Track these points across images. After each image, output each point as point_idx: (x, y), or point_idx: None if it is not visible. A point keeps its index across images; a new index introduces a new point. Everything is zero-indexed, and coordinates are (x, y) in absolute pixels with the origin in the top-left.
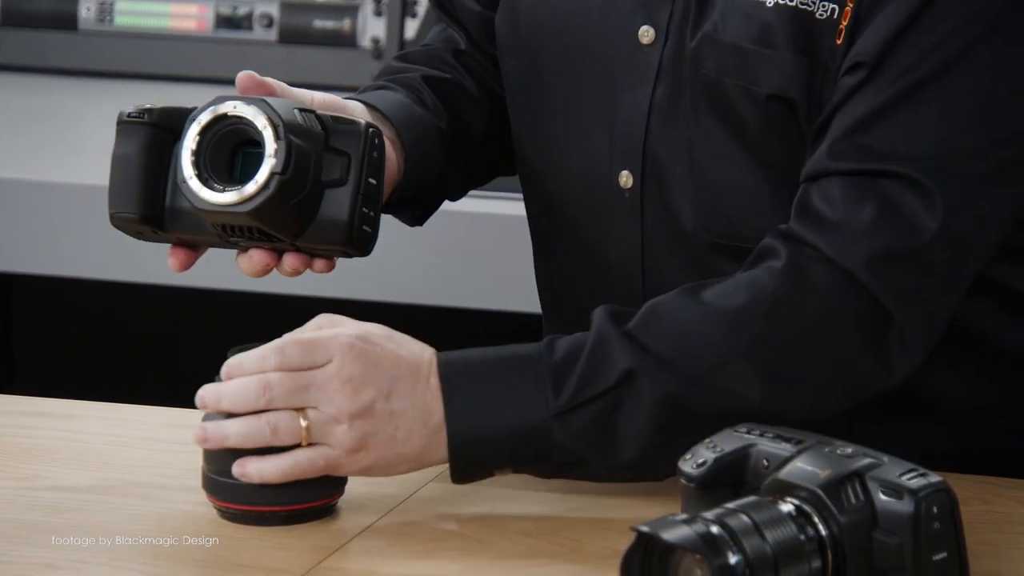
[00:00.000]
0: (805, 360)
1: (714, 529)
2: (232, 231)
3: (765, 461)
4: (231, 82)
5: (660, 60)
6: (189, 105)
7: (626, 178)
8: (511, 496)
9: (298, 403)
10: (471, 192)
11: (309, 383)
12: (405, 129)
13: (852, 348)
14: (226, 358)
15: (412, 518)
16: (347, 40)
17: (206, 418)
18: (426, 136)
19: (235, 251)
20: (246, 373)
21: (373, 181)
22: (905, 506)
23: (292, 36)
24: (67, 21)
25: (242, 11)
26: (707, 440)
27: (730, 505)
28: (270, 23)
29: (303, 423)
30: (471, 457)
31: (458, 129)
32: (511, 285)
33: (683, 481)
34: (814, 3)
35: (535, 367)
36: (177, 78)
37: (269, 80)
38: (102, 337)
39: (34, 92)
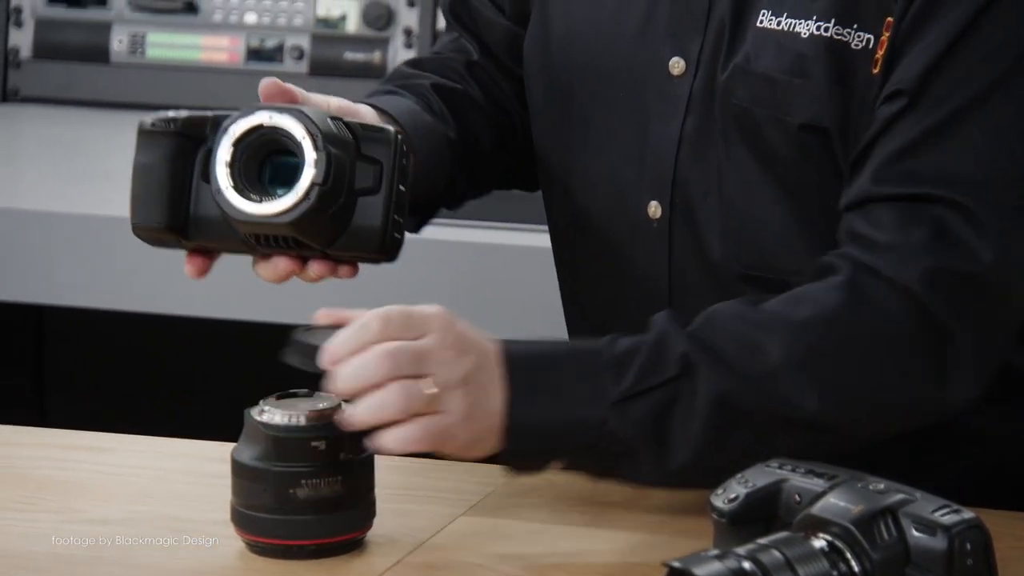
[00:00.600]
0: (862, 374)
1: (746, 565)
2: (266, 240)
3: (797, 496)
4: None
5: (690, 91)
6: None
7: (655, 208)
8: (542, 530)
9: (418, 371)
10: (483, 223)
11: (420, 352)
12: (418, 137)
13: (909, 363)
14: (294, 340)
15: (442, 553)
16: (377, 72)
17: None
18: (437, 144)
19: (253, 260)
20: (352, 347)
21: (403, 188)
22: (938, 543)
23: (323, 68)
24: (99, 53)
25: (273, 43)
26: (739, 475)
27: (762, 541)
28: (301, 55)
29: (432, 391)
30: (527, 445)
31: (466, 139)
32: (524, 316)
33: (715, 516)
34: (849, 33)
35: (596, 359)
36: (208, 110)
37: (292, 87)
38: (133, 368)
39: (66, 124)
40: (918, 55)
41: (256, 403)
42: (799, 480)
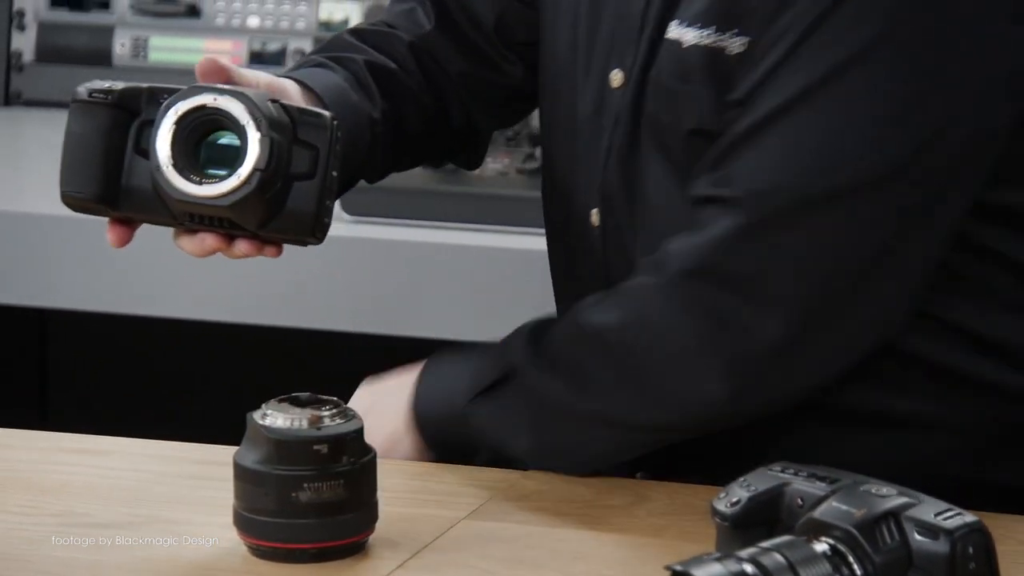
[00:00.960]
0: (635, 374)
1: (748, 568)
2: (199, 219)
3: (800, 500)
4: None
5: (622, 102)
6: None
7: (595, 216)
8: (544, 534)
9: None
10: (485, 226)
11: None
12: (340, 115)
13: (677, 363)
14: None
15: (444, 557)
16: None
17: None
18: (358, 123)
19: (175, 232)
20: None
21: (335, 173)
22: (941, 546)
23: None
24: (101, 57)
25: (275, 47)
26: (741, 479)
27: (764, 544)
28: None
29: None
30: (429, 423)
31: (392, 119)
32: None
33: (717, 520)
34: (723, 39)
35: (479, 355)
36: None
37: (228, 64)
38: (135, 371)
39: None
40: (758, 68)
41: (258, 406)
42: (801, 484)
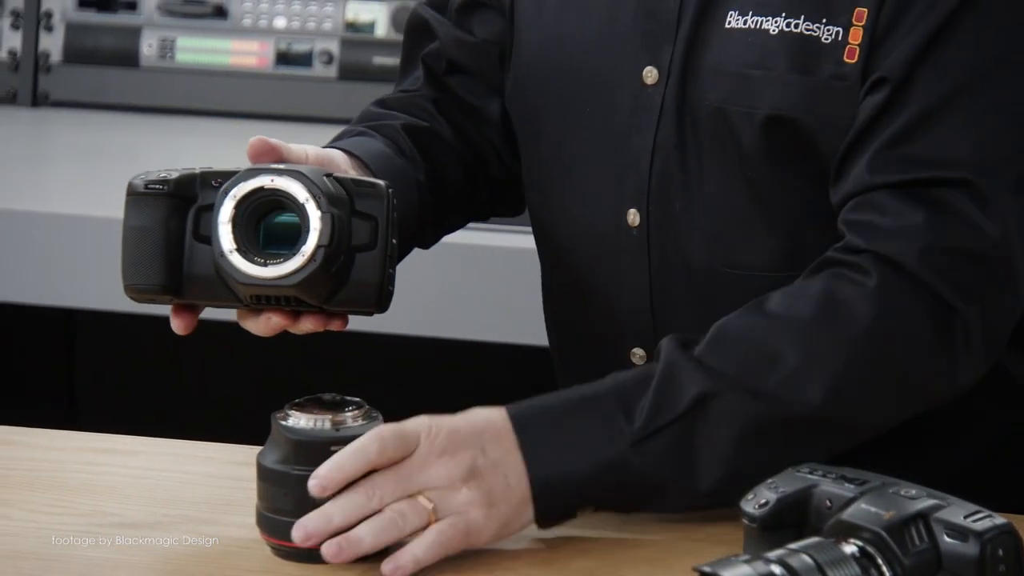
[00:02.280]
0: (872, 365)
1: (776, 569)
2: (265, 300)
3: (828, 502)
4: (290, 118)
5: (663, 99)
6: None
7: (633, 216)
8: (569, 535)
9: (408, 491)
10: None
11: (410, 470)
12: (390, 182)
13: (915, 345)
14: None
15: (469, 558)
16: None
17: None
18: (407, 189)
19: (238, 313)
20: (348, 473)
21: (395, 241)
22: (970, 548)
23: (351, 73)
24: (129, 58)
25: (302, 48)
26: (769, 481)
27: (793, 546)
28: (330, 60)
29: (427, 505)
30: (554, 501)
31: (435, 180)
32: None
33: (745, 521)
34: (819, 28)
35: (601, 402)
36: (237, 114)
37: (277, 142)
38: (162, 372)
39: (96, 128)
40: (901, 42)
41: (284, 407)
42: (830, 485)
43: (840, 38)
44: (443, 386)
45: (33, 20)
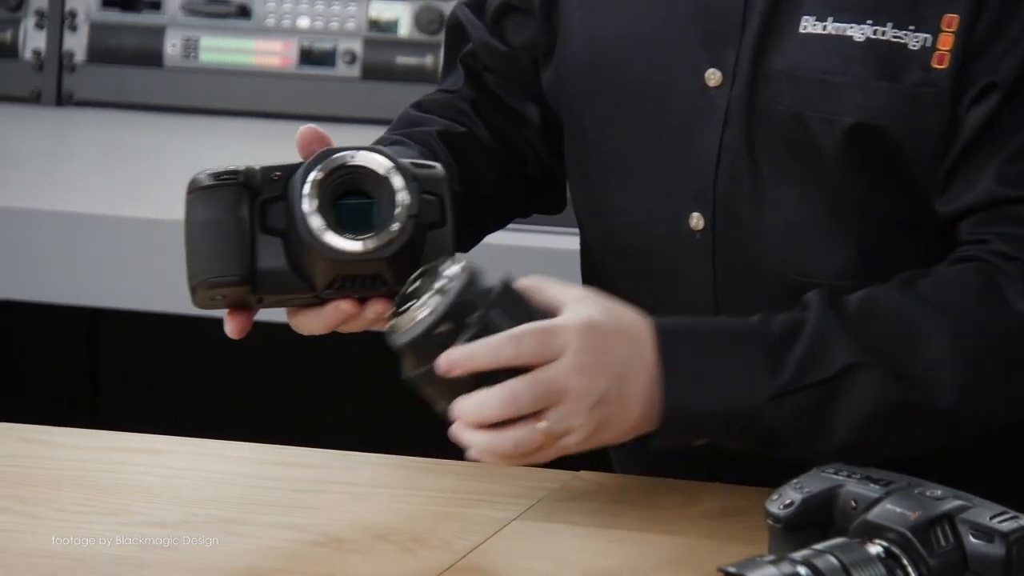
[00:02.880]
0: (1009, 362)
1: (801, 570)
2: (342, 284)
3: (853, 502)
4: (314, 118)
5: (728, 102)
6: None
7: (697, 220)
8: (595, 535)
9: (542, 405)
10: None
11: (548, 387)
12: None
13: None
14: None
15: (495, 558)
16: (429, 76)
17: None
18: None
19: (289, 313)
20: (479, 364)
21: (455, 221)
22: (996, 549)
23: (375, 72)
24: (152, 57)
25: (325, 47)
26: (794, 481)
27: (818, 546)
28: (353, 59)
29: (541, 426)
30: (678, 430)
31: (469, 185)
32: None
33: (770, 522)
34: (907, 35)
35: (748, 344)
36: (261, 114)
37: (325, 133)
38: (186, 371)
39: (119, 128)
40: (1009, 49)
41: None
42: (855, 486)
43: (928, 44)
44: None
45: (57, 20)
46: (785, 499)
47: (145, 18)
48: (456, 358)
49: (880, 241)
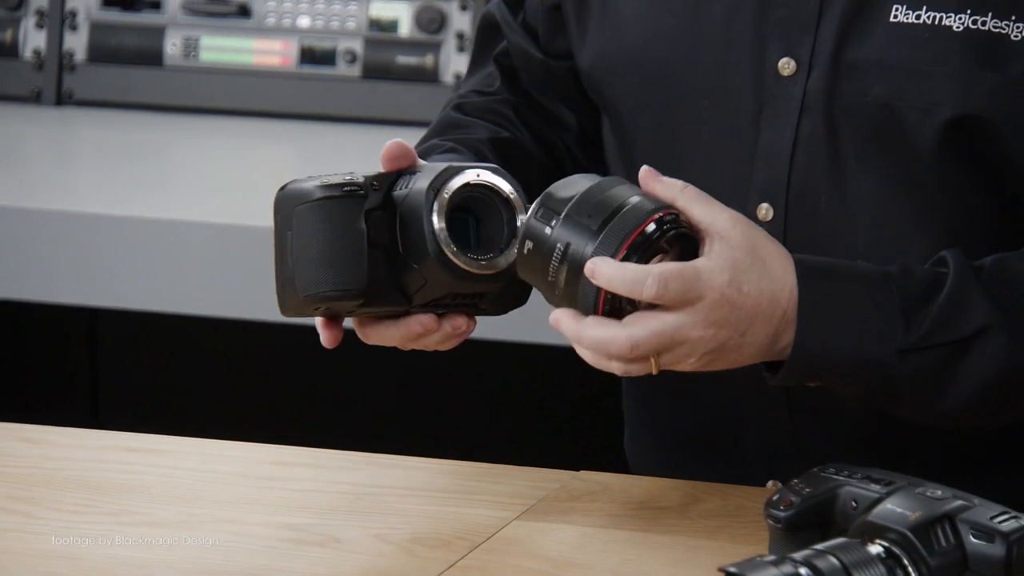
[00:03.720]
0: None
1: (802, 571)
2: (452, 298)
3: (854, 502)
4: (315, 117)
5: (804, 91)
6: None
7: (765, 211)
8: (596, 535)
9: (659, 352)
10: None
11: (672, 339)
12: None
13: None
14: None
15: (496, 557)
16: (430, 76)
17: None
18: None
19: (358, 324)
20: (616, 287)
21: None
22: (996, 549)
23: (375, 72)
24: (153, 57)
25: (326, 47)
26: (794, 481)
27: (819, 546)
28: (353, 59)
29: (653, 362)
30: (802, 370)
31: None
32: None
33: (771, 522)
34: (1008, 25)
35: (885, 294)
36: (261, 113)
37: (411, 147)
38: (186, 371)
39: (120, 127)
40: None
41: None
42: (856, 486)
43: None
44: (463, 388)
45: (57, 19)
46: (785, 499)
47: (145, 17)
48: (600, 270)
49: (965, 236)
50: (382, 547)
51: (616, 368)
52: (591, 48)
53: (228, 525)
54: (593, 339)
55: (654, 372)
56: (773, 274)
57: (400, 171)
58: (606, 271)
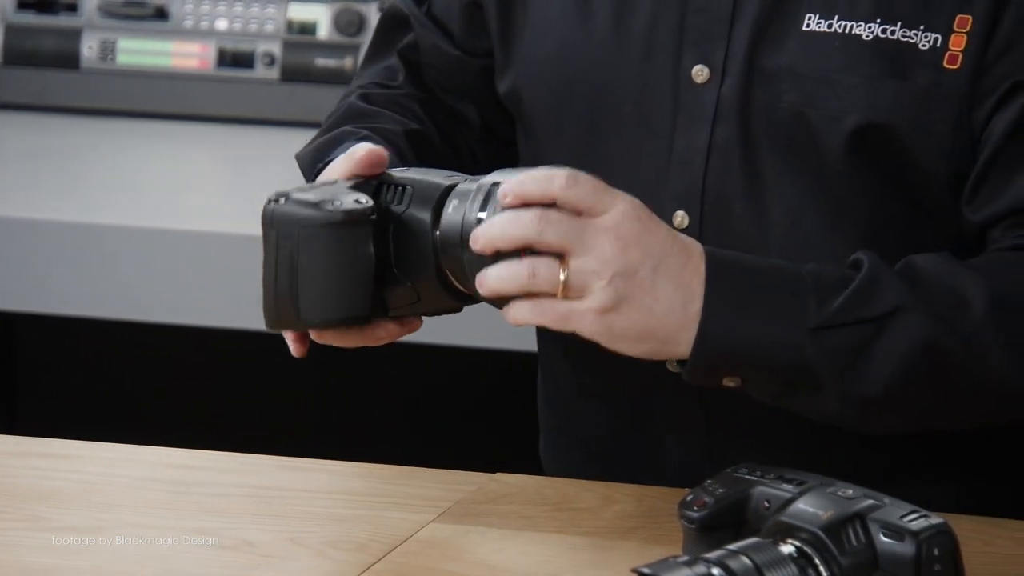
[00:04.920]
0: None
1: (715, 571)
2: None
3: (766, 502)
4: (232, 120)
5: (717, 98)
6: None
7: (681, 218)
8: (512, 536)
9: (566, 245)
10: None
11: (581, 231)
12: None
13: None
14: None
15: (411, 560)
16: (349, 78)
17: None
18: None
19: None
20: (527, 190)
21: None
22: (906, 548)
23: (294, 74)
24: (69, 60)
25: (244, 49)
26: (708, 481)
27: (731, 547)
28: (272, 61)
29: (562, 275)
30: (711, 357)
31: None
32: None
33: (684, 523)
34: (916, 35)
35: (800, 281)
36: (179, 116)
37: (383, 151)
38: (104, 376)
39: (36, 130)
40: None
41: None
42: (768, 486)
43: (939, 44)
44: (375, 391)
45: None
46: (699, 500)
47: (61, 20)
48: (510, 186)
49: (878, 241)
50: (296, 550)
51: (525, 270)
52: (514, 50)
53: (140, 530)
54: (504, 217)
55: (561, 282)
56: (686, 240)
57: (379, 178)
58: (512, 177)
